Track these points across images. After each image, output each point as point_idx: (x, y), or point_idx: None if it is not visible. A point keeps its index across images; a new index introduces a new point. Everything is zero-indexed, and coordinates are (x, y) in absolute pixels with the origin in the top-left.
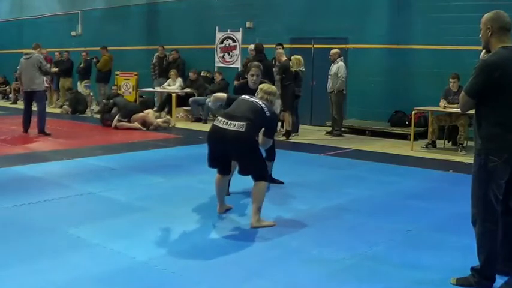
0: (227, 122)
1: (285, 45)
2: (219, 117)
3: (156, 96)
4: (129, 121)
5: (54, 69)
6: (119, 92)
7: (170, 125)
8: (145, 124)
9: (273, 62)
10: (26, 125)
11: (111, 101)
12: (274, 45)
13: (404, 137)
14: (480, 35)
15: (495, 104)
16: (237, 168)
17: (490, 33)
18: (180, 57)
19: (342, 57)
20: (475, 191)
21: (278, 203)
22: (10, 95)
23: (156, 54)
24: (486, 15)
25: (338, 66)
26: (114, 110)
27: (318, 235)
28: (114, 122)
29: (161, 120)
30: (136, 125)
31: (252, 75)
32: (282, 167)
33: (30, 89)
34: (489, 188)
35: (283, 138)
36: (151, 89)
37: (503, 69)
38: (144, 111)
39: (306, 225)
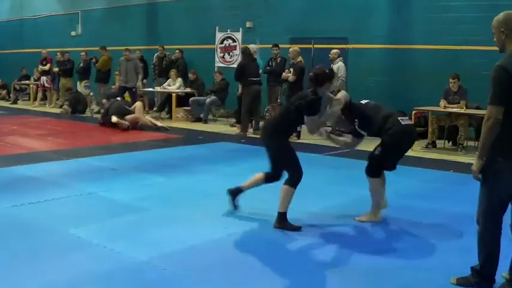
0: (406, 118)
1: (285, 45)
2: (401, 118)
3: (156, 96)
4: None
5: (56, 69)
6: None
7: (157, 125)
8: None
9: (270, 62)
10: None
11: (104, 101)
12: (271, 46)
13: None
14: (495, 39)
15: (505, 106)
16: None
17: (504, 36)
18: (182, 57)
19: (341, 58)
20: (480, 190)
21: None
22: (11, 94)
23: (156, 54)
24: (497, 18)
25: (338, 67)
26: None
27: (319, 235)
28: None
29: (150, 119)
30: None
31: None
32: None
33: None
34: (493, 188)
35: (295, 138)
36: (151, 89)
37: None
38: (132, 106)
39: (306, 225)
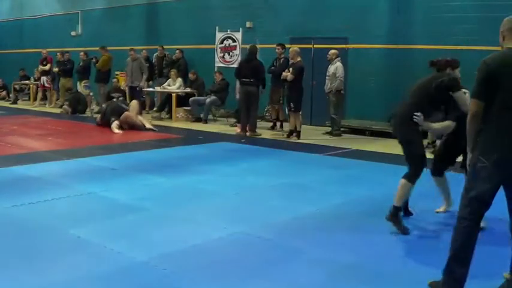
0: None
1: (285, 46)
2: None
3: (156, 96)
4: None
5: (56, 69)
6: (119, 86)
7: (146, 127)
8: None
9: (275, 62)
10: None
11: (103, 105)
12: (274, 45)
13: None
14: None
15: (488, 103)
16: None
17: (502, 38)
18: (183, 57)
19: (340, 58)
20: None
21: (279, 203)
22: (10, 95)
23: (155, 54)
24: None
25: (336, 67)
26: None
27: (319, 235)
28: (115, 128)
29: (141, 119)
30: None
31: None
32: (283, 167)
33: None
34: (473, 187)
35: (295, 138)
36: (151, 89)
37: (497, 68)
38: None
39: (306, 225)
